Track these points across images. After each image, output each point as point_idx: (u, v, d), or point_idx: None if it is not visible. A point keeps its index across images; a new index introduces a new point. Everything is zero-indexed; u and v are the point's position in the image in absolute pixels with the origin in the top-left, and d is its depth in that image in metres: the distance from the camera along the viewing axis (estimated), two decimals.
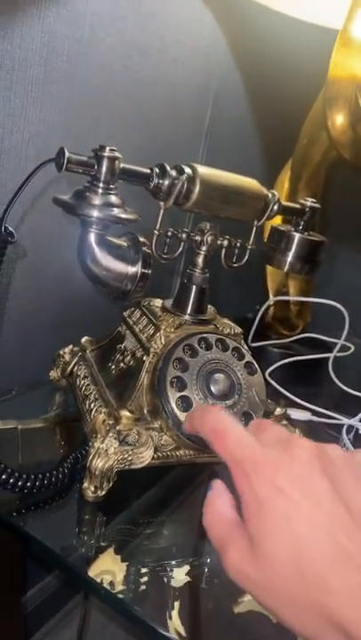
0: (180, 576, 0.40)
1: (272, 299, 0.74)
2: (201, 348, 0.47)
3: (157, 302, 0.53)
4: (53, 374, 0.59)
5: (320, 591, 0.25)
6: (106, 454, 0.42)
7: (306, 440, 0.29)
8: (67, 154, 0.40)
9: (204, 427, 0.31)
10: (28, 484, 0.42)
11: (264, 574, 0.26)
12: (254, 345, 0.74)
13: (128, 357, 0.50)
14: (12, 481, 0.41)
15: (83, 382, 0.52)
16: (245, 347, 0.51)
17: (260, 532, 0.26)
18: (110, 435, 0.43)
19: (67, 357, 0.57)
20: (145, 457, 0.44)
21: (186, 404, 0.45)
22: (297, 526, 0.25)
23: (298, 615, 0.25)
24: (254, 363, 0.49)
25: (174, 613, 0.37)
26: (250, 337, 0.75)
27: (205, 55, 0.75)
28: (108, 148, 0.41)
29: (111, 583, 0.37)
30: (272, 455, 0.27)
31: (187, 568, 0.40)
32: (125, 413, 0.45)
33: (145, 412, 0.46)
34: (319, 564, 0.25)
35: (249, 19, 0.76)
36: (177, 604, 0.38)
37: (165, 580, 0.39)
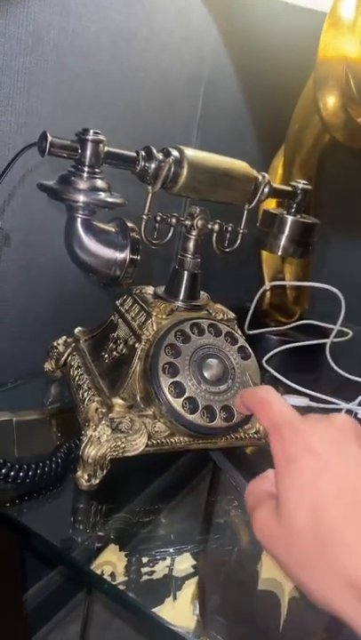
0: (181, 565, 0.39)
1: (268, 284, 0.73)
2: (193, 333, 0.47)
3: (149, 289, 0.53)
4: (48, 366, 0.58)
5: (336, 547, 0.25)
6: (98, 442, 0.42)
7: (345, 414, 0.29)
8: (49, 138, 0.39)
9: (252, 399, 0.32)
10: (21, 473, 0.41)
11: (286, 531, 0.26)
12: (251, 332, 0.74)
13: (121, 346, 0.50)
14: (4, 471, 0.41)
15: (76, 372, 0.51)
16: (239, 332, 0.50)
17: (285, 489, 0.27)
18: (103, 422, 0.43)
19: (60, 348, 0.57)
20: (138, 444, 0.43)
21: (178, 389, 0.44)
22: (323, 484, 0.26)
23: (314, 574, 0.25)
24: (248, 347, 0.48)
25: (173, 603, 0.36)
26: (246, 324, 0.74)
27: (195, 43, 0.75)
28: (91, 131, 0.40)
29: (112, 574, 0.37)
30: (310, 422, 0.28)
31: (188, 556, 0.40)
32: (118, 401, 0.44)
33: (138, 399, 0.46)
34: (336, 519, 0.25)
35: (237, 4, 0.75)
36: (177, 594, 0.37)
37: (166, 569, 0.39)
